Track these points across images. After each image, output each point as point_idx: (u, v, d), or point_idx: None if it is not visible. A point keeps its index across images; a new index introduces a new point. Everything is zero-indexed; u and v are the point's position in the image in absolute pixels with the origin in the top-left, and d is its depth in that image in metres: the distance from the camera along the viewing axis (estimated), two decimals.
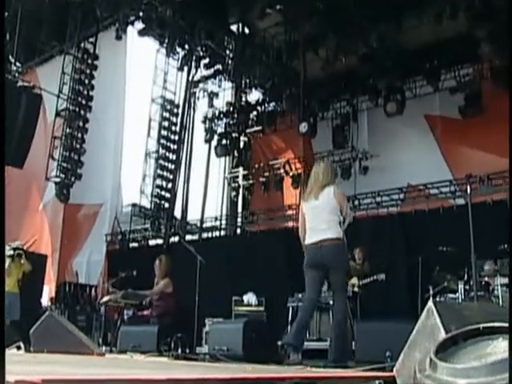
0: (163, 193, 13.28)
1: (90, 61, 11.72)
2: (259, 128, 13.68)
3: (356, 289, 8.47)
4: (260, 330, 5.29)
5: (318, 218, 4.47)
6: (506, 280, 7.24)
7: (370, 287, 8.23)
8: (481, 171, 9.04)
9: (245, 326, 5.01)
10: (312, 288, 4.65)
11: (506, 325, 1.25)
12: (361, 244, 8.84)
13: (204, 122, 13.87)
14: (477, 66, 10.59)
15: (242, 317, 8.77)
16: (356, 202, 10.45)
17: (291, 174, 12.92)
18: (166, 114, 13.55)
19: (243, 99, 14.07)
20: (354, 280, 8.57)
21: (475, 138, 10.51)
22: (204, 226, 12.59)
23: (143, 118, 13.58)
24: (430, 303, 2.40)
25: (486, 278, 7.39)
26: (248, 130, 14.04)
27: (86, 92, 11.60)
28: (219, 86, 13.65)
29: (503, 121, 10.10)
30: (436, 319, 2.35)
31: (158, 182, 13.26)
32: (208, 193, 14.07)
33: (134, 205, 13.29)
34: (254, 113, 13.72)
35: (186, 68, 13.11)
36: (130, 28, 11.61)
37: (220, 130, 13.96)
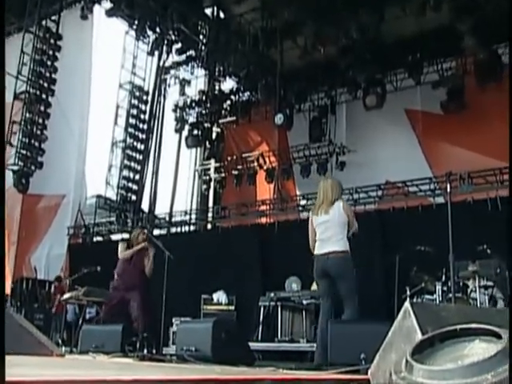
0: (130, 184, 13.18)
1: (52, 41, 11.48)
2: (233, 119, 13.67)
3: None
4: (230, 330, 5.29)
5: (329, 231, 5.05)
6: (484, 282, 7.43)
7: None
8: (461, 169, 9.21)
9: (214, 325, 5.01)
10: (327, 296, 5.15)
11: (484, 326, 1.29)
12: None
13: (175, 110, 13.78)
14: (460, 60, 10.77)
15: (211, 316, 8.80)
16: None
17: (265, 167, 12.97)
18: (135, 101, 13.42)
19: (216, 88, 14.03)
20: None
21: (457, 135, 10.72)
22: (173, 220, 12.54)
23: (110, 104, 13.44)
24: (407, 304, 2.45)
25: (464, 280, 7.57)
26: (221, 121, 14.01)
27: (48, 74, 11.37)
28: (191, 73, 13.58)
29: (486, 117, 10.45)
30: (412, 320, 2.39)
31: (125, 172, 13.14)
32: (177, 186, 14.05)
33: (98, 196, 13.14)
34: (228, 102, 13.68)
35: (156, 53, 13.00)
36: (96, 7, 11.44)
37: (191, 119, 13.89)
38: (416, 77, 11.03)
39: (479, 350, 1.21)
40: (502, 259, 7.43)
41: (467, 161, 10.07)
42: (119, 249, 6.89)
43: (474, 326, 1.32)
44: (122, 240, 7.18)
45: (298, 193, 12.48)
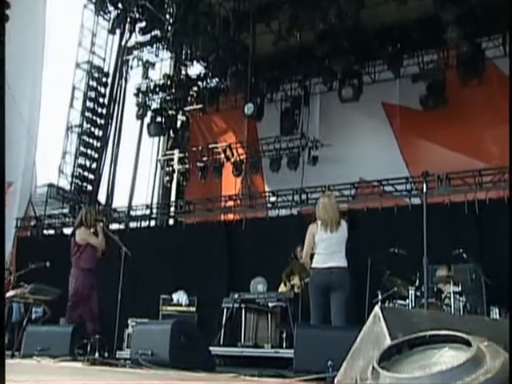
0: (86, 173, 12.99)
1: None
2: (199, 106, 13.62)
3: (297, 289, 8.66)
4: (190, 332, 5.29)
5: (332, 247, 5.81)
6: (458, 288, 7.61)
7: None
8: (440, 169, 9.39)
9: (173, 327, 5.00)
10: (320, 309, 5.72)
11: (454, 333, 1.33)
12: (302, 244, 9.02)
13: (137, 95, 13.62)
14: (442, 53, 10.92)
15: (170, 318, 8.78)
16: (303, 196, 10.62)
17: (233, 160, 12.96)
18: (93, 83, 13.22)
19: (183, 72, 13.93)
20: (296, 280, 8.75)
21: (435, 133, 10.90)
22: (132, 214, 12.43)
23: (65, 85, 13.19)
24: (377, 308, 2.49)
25: (439, 285, 7.74)
26: (186, 108, 13.94)
27: None
28: (156, 56, 13.45)
29: (466, 115, 10.66)
30: (382, 326, 2.44)
31: (81, 160, 12.95)
32: (138, 177, 13.92)
33: (50, 185, 12.92)
34: (195, 89, 13.61)
35: (118, 31, 12.83)
36: None
37: (155, 105, 13.77)
38: (395, 69, 11.17)
39: (448, 357, 1.25)
40: (477, 264, 7.63)
41: (446, 160, 10.27)
42: (83, 235, 6.89)
43: (443, 332, 1.36)
44: (80, 225, 7.09)
45: (266, 188, 12.52)
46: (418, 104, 10.67)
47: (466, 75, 9.94)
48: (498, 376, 1.11)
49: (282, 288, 9.04)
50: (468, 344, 1.24)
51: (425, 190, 5.34)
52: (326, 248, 5.82)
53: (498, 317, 7.23)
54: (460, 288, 7.64)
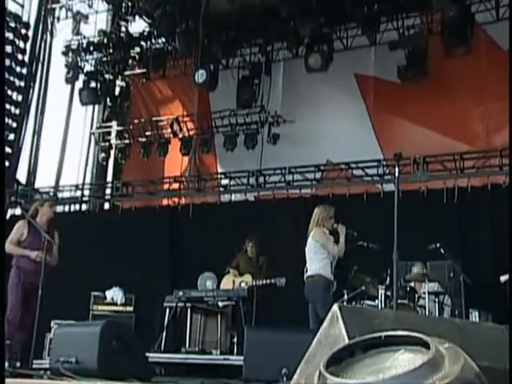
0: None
1: None
2: (142, 71, 13.42)
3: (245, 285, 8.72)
4: (124, 336, 5.29)
5: (308, 254, 6.82)
6: (434, 288, 7.79)
7: (268, 289, 8.51)
8: (418, 151, 9.55)
9: (103, 330, 4.98)
10: (311, 317, 6.72)
11: (410, 334, 1.37)
12: (255, 235, 9.09)
13: (66, 53, 13.31)
14: (425, 17, 10.97)
15: (102, 319, 8.72)
16: (260, 179, 10.66)
17: (180, 135, 12.90)
18: (10, 35, 12.86)
19: (122, 29, 13.65)
20: (248, 277, 8.81)
21: (414, 110, 11.05)
22: (59, 196, 12.26)
23: None
24: (335, 308, 2.54)
25: (412, 284, 7.90)
26: (126, 72, 13.72)
27: None
28: (90, 6, 13.13)
29: (449, 90, 10.84)
30: (340, 327, 2.49)
31: None
32: (67, 152, 13.68)
33: None
34: (136, 50, 13.38)
35: None
36: None
37: (88, 67, 13.52)
38: (371, 34, 11.23)
39: (403, 361, 1.29)
40: (456, 261, 7.81)
41: (425, 142, 10.43)
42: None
43: (399, 333, 1.40)
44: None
45: (219, 169, 12.52)
46: (395, 76, 10.73)
47: (452, 43, 10.03)
48: (457, 381, 1.15)
49: (226, 284, 9.06)
50: (426, 346, 1.29)
51: (397, 174, 5.43)
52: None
53: (477, 321, 7.43)
54: (436, 288, 7.83)
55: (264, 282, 8.60)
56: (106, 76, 13.55)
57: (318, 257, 6.64)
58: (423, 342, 1.32)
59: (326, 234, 6.69)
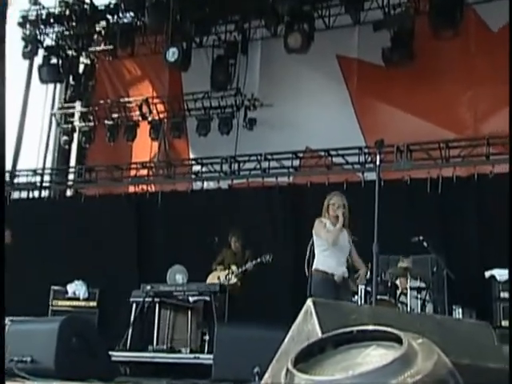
0: None
1: None
2: (108, 47, 13.25)
3: (234, 279, 8.77)
4: (85, 333, 5.28)
5: None
6: (416, 283, 7.88)
7: (251, 279, 8.57)
8: (402, 139, 9.62)
9: (62, 327, 4.96)
10: None
11: (383, 329, 1.38)
12: (238, 228, 9.11)
13: (23, 25, 13.09)
14: None
15: (63, 315, 8.67)
16: (234, 166, 10.67)
17: (150, 118, 12.82)
18: None
19: (86, 0, 13.46)
20: (232, 267, 8.87)
21: (399, 95, 11.09)
22: (16, 181, 12.14)
23: None
24: (309, 303, 2.56)
25: (394, 279, 7.99)
26: (91, 49, 13.55)
27: None
28: None
29: (436, 74, 10.89)
30: (314, 323, 2.52)
31: None
32: (25, 134, 13.52)
33: None
34: (102, 24, 13.21)
35: None
36: None
37: (49, 41, 13.31)
38: (354, 13, 11.19)
39: (375, 357, 1.31)
40: (440, 255, 7.91)
41: (409, 129, 10.50)
42: None
43: (371, 328, 1.41)
44: None
45: (191, 156, 12.48)
46: (379, 58, 10.74)
47: (440, 24, 10.04)
48: (429, 378, 1.17)
49: (210, 278, 9.11)
50: (399, 341, 1.30)
51: (378, 162, 5.46)
52: None
53: (460, 317, 7.54)
54: (418, 283, 7.92)
55: (247, 265, 8.69)
56: (69, 52, 13.35)
57: (317, 250, 6.52)
58: (396, 338, 1.34)
59: (322, 223, 6.51)
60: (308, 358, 1.41)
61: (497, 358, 2.64)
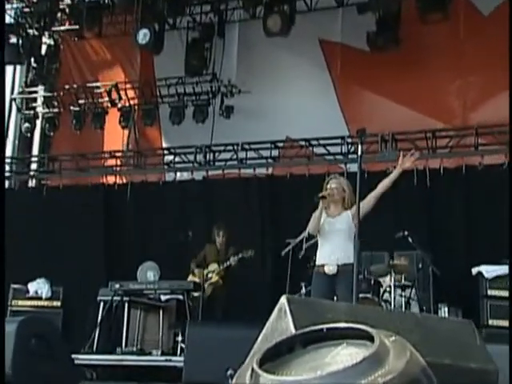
0: None
1: None
2: (74, 27, 13.13)
3: (216, 277, 8.80)
4: (46, 335, 5.24)
5: None
6: (401, 281, 7.94)
7: (232, 276, 8.61)
8: (387, 128, 9.67)
9: (19, 328, 4.92)
10: None
11: (354, 326, 1.39)
12: (223, 223, 9.13)
13: None
14: None
15: (23, 315, 8.63)
16: (209, 156, 10.66)
17: (120, 105, 12.74)
18: None
19: None
20: (213, 266, 8.89)
21: (384, 82, 11.12)
22: None
23: None
24: (283, 300, 2.57)
25: (378, 276, 8.05)
26: (55, 28, 13.43)
27: None
28: None
29: (423, 60, 10.94)
30: (288, 321, 2.53)
31: None
32: None
33: None
34: (67, 1, 13.10)
35: None
36: None
37: (8, 19, 13.18)
38: None
39: (345, 356, 1.31)
40: (425, 251, 7.97)
41: (395, 117, 10.54)
42: None
43: (342, 325, 1.42)
44: None
45: (164, 145, 12.44)
46: (364, 43, 10.80)
47: (428, 6, 10.05)
48: (401, 378, 1.18)
49: (191, 276, 9.12)
50: (371, 339, 1.31)
51: (360, 153, 5.49)
52: None
53: (446, 316, 7.62)
54: (403, 280, 7.99)
55: (231, 260, 8.71)
56: (30, 31, 13.17)
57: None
58: (368, 336, 1.35)
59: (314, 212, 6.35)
60: (275, 357, 1.41)
61: (479, 357, 2.67)
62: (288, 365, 1.36)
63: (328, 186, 6.38)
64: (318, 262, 6.26)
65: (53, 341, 5.28)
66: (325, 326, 1.43)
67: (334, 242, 6.20)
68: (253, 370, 1.32)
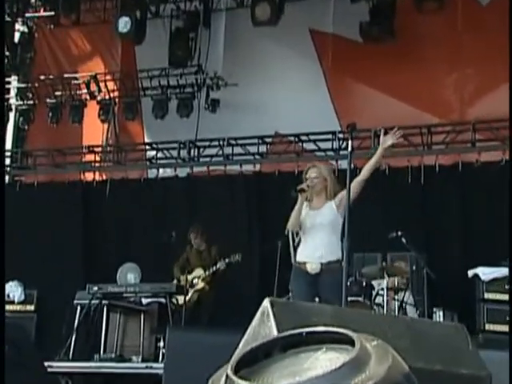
0: None
1: None
2: (49, 14, 13.11)
3: (202, 283, 8.79)
4: (17, 341, 5.20)
5: None
6: (395, 282, 7.96)
7: (219, 281, 8.62)
8: (380, 123, 9.65)
9: None
10: None
11: (334, 330, 1.39)
12: (199, 224, 9.12)
13: None
14: None
15: None
16: (195, 152, 10.65)
17: (99, 98, 12.72)
18: None
19: None
20: (198, 272, 8.88)
21: (378, 74, 11.13)
22: None
23: None
24: (266, 303, 2.56)
25: (370, 279, 8.07)
26: (29, 14, 13.39)
27: None
28: None
29: (418, 52, 10.97)
30: (271, 326, 2.52)
31: None
32: None
33: None
34: None
35: None
36: None
37: None
38: None
39: (324, 361, 1.31)
40: (420, 253, 8.00)
41: (388, 112, 10.54)
42: None
43: (321, 329, 1.42)
44: None
45: (146, 140, 12.42)
46: (357, 34, 10.82)
47: None
48: None
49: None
50: (352, 344, 1.31)
51: (350, 148, 5.51)
52: None
53: (441, 320, 7.65)
54: (396, 283, 8.01)
55: (218, 265, 8.71)
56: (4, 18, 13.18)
57: None
58: (349, 340, 1.35)
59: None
60: (252, 363, 1.40)
61: (471, 363, 2.67)
62: (265, 370, 1.36)
63: (307, 176, 6.20)
64: (299, 259, 6.07)
65: (24, 348, 5.25)
66: (304, 330, 1.43)
67: (316, 238, 6.01)
68: (227, 376, 1.32)
